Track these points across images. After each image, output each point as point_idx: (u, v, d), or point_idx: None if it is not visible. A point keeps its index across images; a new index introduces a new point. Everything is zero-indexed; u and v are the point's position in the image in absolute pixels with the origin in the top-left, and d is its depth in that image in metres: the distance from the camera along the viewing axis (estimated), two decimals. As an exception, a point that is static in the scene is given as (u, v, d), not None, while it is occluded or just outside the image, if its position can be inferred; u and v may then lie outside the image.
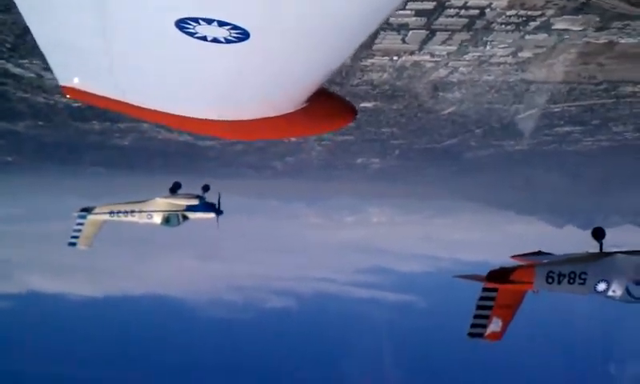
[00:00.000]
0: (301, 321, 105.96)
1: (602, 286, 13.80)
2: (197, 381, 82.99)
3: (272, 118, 6.90)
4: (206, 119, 6.95)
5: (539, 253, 16.01)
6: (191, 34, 4.88)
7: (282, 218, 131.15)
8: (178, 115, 6.98)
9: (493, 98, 46.95)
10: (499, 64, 38.62)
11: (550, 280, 13.77)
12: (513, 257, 16.12)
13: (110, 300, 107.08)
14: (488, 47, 35.24)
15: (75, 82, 6.71)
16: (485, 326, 14.24)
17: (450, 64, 38.76)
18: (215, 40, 4.93)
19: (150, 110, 6.94)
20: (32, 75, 40.94)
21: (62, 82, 6.76)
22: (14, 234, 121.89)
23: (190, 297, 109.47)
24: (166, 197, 21.90)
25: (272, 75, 5.91)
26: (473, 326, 14.35)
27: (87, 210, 21.81)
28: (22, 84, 42.97)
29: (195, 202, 21.45)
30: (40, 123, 54.64)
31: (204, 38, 4.92)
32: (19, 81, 41.90)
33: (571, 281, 13.71)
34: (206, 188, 22.15)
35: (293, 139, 69.22)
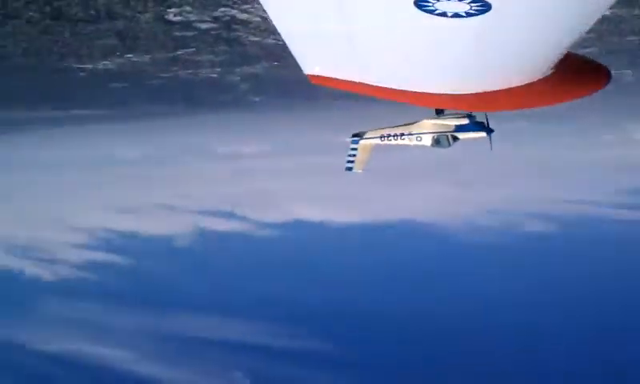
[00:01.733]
0: (561, 244, 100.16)
1: None
2: (454, 307, 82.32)
3: (515, 88, 6.70)
4: (445, 94, 6.99)
5: None
6: (431, 11, 4.94)
7: (533, 139, 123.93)
8: (417, 92, 7.04)
9: None
10: None
11: None
12: None
13: (368, 227, 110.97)
14: None
15: (317, 71, 7.08)
16: None
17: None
18: (456, 15, 4.95)
19: (388, 89, 7.09)
20: (257, 19, 42.61)
21: (307, 71, 7.15)
22: (271, 168, 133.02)
23: (445, 222, 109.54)
24: (434, 118, 21.69)
25: (515, 45, 5.77)
26: None
27: (359, 136, 22.55)
28: (251, 28, 44.95)
29: (465, 121, 20.86)
30: (275, 64, 57.32)
31: (444, 14, 4.96)
32: (247, 26, 43.87)
33: None
34: None
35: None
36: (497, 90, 6.69)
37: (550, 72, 6.51)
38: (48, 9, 30.82)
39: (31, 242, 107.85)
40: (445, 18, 4.95)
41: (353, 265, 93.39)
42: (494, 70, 6.41)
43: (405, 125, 21.42)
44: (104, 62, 51.55)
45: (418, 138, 21.12)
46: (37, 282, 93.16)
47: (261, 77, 66.36)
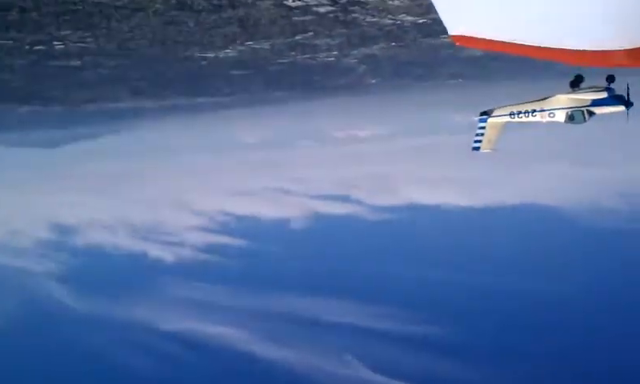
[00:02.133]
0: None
1: None
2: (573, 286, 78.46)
3: None
4: (608, 50, 6.41)
5: None
6: None
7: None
8: (573, 49, 6.56)
9: None
10: None
11: None
12: None
13: (487, 210, 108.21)
14: None
15: (461, 31, 6.89)
16: None
17: None
18: None
19: (542, 48, 6.71)
20: None
21: (451, 32, 6.98)
22: (387, 151, 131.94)
23: (568, 205, 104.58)
24: (568, 92, 20.63)
25: None
26: None
27: (487, 114, 21.93)
28: (368, 9, 44.32)
29: (603, 95, 19.63)
30: (392, 44, 56.21)
31: None
32: (364, 7, 43.28)
33: None
34: (611, 79, 20.20)
35: None
36: None
37: None
38: (173, 0, 31.59)
39: (155, 225, 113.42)
40: None
41: (471, 249, 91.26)
42: None
43: (536, 101, 20.30)
44: (225, 51, 52.53)
45: (551, 114, 19.83)
46: (159, 264, 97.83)
47: (378, 58, 65.47)
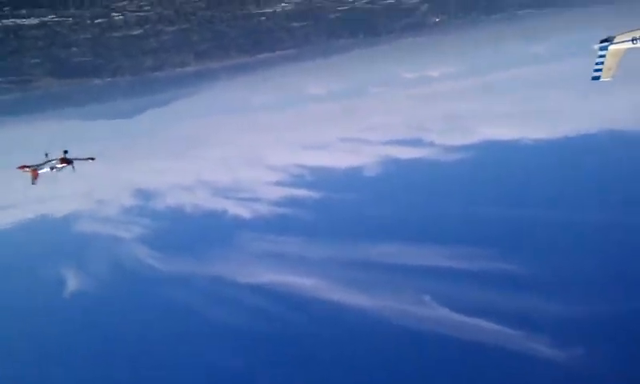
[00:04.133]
0: None
1: None
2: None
3: None
4: None
5: None
6: None
7: None
8: None
9: None
10: None
11: None
12: None
13: (565, 141, 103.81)
14: None
15: None
16: None
17: None
18: None
19: None
20: None
21: None
22: (458, 89, 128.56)
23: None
24: None
25: None
26: None
27: (608, 40, 21.21)
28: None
29: None
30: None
31: None
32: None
33: None
34: None
35: None
36: None
37: None
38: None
39: (232, 183, 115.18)
40: None
41: (548, 184, 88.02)
42: None
43: None
44: (282, 4, 52.33)
45: None
46: (239, 221, 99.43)
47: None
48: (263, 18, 54.18)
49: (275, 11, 52.54)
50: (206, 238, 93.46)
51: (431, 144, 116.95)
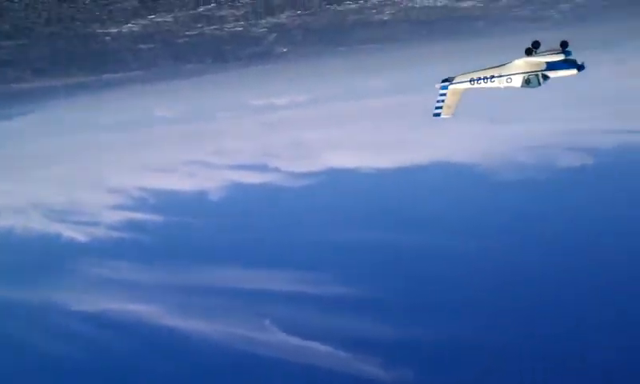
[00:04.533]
0: (597, 178, 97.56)
1: None
2: (487, 242, 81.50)
3: None
4: None
5: None
6: None
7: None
8: None
9: None
10: None
11: None
12: None
13: (401, 171, 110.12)
14: None
15: None
16: None
17: None
18: None
19: None
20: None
21: None
22: (304, 117, 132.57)
23: (480, 161, 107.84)
24: (525, 58, 20.81)
25: None
26: None
27: (448, 80, 22.87)
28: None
29: (559, 57, 20.71)
30: (298, 12, 56.38)
31: None
32: (266, -25, 42.68)
33: None
34: (564, 44, 21.38)
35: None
36: None
37: None
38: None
39: (69, 206, 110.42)
40: None
41: (386, 209, 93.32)
42: None
43: (495, 67, 21.58)
44: (128, 25, 51.41)
45: (509, 80, 21.45)
46: (74, 245, 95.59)
47: (287, 26, 65.54)
48: (108, 37, 52.88)
49: (121, 31, 51.45)
50: (37, 263, 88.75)
51: (276, 170, 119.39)
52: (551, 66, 20.29)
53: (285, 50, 76.16)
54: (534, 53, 20.54)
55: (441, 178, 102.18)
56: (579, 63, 20.25)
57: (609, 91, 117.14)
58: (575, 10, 77.29)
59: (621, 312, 60.29)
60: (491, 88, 21.12)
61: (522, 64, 20.49)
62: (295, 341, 65.99)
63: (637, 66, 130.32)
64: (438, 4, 65.23)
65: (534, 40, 20.82)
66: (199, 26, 58.17)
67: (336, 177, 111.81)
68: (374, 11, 64.66)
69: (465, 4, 67.60)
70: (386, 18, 67.99)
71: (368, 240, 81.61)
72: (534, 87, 20.64)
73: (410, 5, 63.54)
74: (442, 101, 22.06)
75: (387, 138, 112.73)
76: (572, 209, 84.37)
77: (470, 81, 21.21)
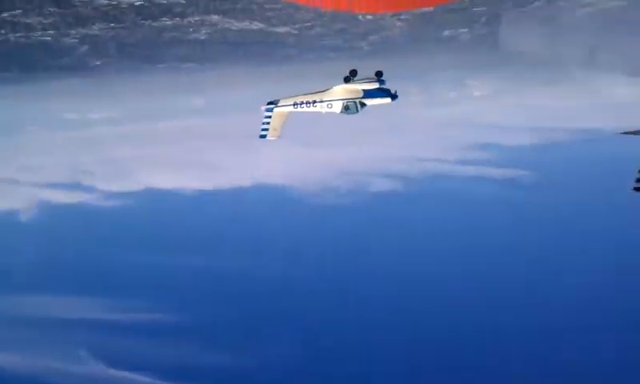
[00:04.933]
0: (407, 202, 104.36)
1: None
2: (302, 266, 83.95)
3: None
4: None
5: None
6: None
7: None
8: None
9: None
10: None
11: None
12: None
13: (219, 192, 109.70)
14: None
15: None
16: None
17: None
18: None
19: None
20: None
21: None
22: (121, 135, 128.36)
23: (295, 184, 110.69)
24: (344, 85, 22.12)
25: None
26: (638, 180, 15.36)
27: (273, 103, 23.09)
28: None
29: (374, 85, 21.76)
30: (112, 25, 55.31)
31: None
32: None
33: None
34: (379, 74, 22.51)
35: (369, 17, 66.96)
36: None
37: None
38: None
39: None
40: None
41: (203, 233, 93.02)
42: None
43: (317, 92, 22.38)
44: None
45: (329, 105, 22.35)
46: None
47: (100, 38, 63.81)
48: None
49: None
50: None
51: (91, 189, 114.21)
52: (368, 94, 22.07)
53: (98, 62, 74.03)
54: (351, 80, 22.20)
55: (260, 201, 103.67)
56: (393, 92, 22.20)
57: (415, 120, 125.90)
58: (385, 42, 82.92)
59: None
60: (313, 112, 22.47)
61: (341, 91, 22.04)
62: (114, 372, 63.73)
63: (441, 96, 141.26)
64: (254, 27, 67.04)
65: (351, 68, 22.58)
66: (3, 32, 55.04)
67: (154, 197, 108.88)
68: (191, 30, 65.15)
69: (280, 29, 70.05)
70: (202, 38, 68.66)
71: (188, 264, 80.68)
72: (352, 113, 22.27)
73: (226, 26, 64.79)
74: (268, 123, 23.15)
75: (207, 158, 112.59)
76: (383, 233, 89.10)
77: (294, 105, 22.48)
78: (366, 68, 23.09)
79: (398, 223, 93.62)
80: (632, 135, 16.07)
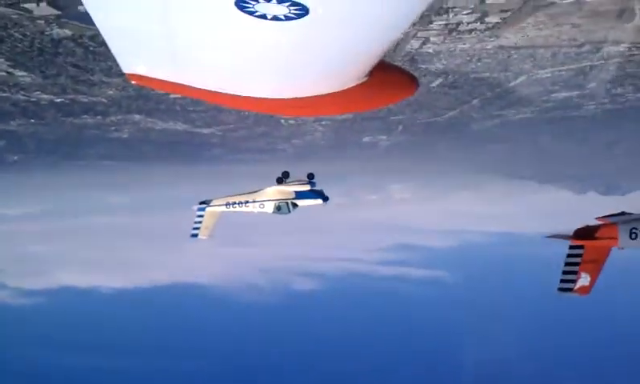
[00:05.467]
0: (327, 301, 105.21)
1: None
2: (226, 364, 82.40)
3: (332, 93, 6.85)
4: (268, 98, 6.94)
5: (623, 213, 16.15)
6: (251, 13, 4.92)
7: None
8: (240, 96, 6.94)
9: (477, 66, 45.41)
10: (470, 31, 37.18)
11: (634, 236, 14.72)
12: (598, 218, 16.30)
13: (140, 291, 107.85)
14: (451, 14, 33.88)
15: (139, 70, 6.64)
16: (574, 281, 15.28)
17: (419, 34, 37.48)
18: (275, 18, 4.95)
19: (212, 92, 6.93)
20: (2, 73, 40.72)
21: (126, 70, 6.68)
22: (38, 231, 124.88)
23: (217, 283, 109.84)
24: (276, 186, 22.32)
25: (331, 50, 5.86)
26: (562, 281, 15.45)
27: (206, 203, 23.09)
28: (-2, 84, 42.46)
29: (306, 187, 22.07)
30: (32, 121, 54.74)
31: (264, 16, 4.96)
32: (-10, 81, 41.26)
33: None
34: (311, 176, 22.92)
35: (292, 122, 68.75)
36: (317, 96, 6.83)
37: (365, 79, 6.80)
38: None
39: None
40: (264, 20, 4.98)
41: (117, 332, 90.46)
42: (312, 75, 6.51)
43: (249, 193, 22.64)
44: None
45: (261, 205, 22.49)
46: None
47: (18, 134, 62.88)
48: None
49: None
50: None
51: (3, 286, 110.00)
52: (300, 195, 22.18)
53: (16, 158, 72.63)
54: (284, 182, 22.75)
55: (175, 298, 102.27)
56: (324, 194, 22.86)
57: (338, 221, 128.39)
58: (308, 146, 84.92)
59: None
60: (245, 212, 22.75)
61: (274, 192, 22.24)
62: None
63: (363, 199, 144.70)
64: (178, 128, 67.68)
65: (283, 170, 23.20)
66: None
67: (69, 295, 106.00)
68: (113, 128, 65.11)
69: (204, 131, 70.95)
70: (125, 136, 68.69)
71: (105, 367, 78.18)
72: (284, 214, 22.57)
73: (149, 125, 65.15)
74: (200, 222, 22.79)
75: (128, 256, 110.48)
76: (304, 330, 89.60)
77: (226, 205, 22.53)
78: (292, 170, 23.83)
79: (314, 321, 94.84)
80: (555, 239, 16.36)
